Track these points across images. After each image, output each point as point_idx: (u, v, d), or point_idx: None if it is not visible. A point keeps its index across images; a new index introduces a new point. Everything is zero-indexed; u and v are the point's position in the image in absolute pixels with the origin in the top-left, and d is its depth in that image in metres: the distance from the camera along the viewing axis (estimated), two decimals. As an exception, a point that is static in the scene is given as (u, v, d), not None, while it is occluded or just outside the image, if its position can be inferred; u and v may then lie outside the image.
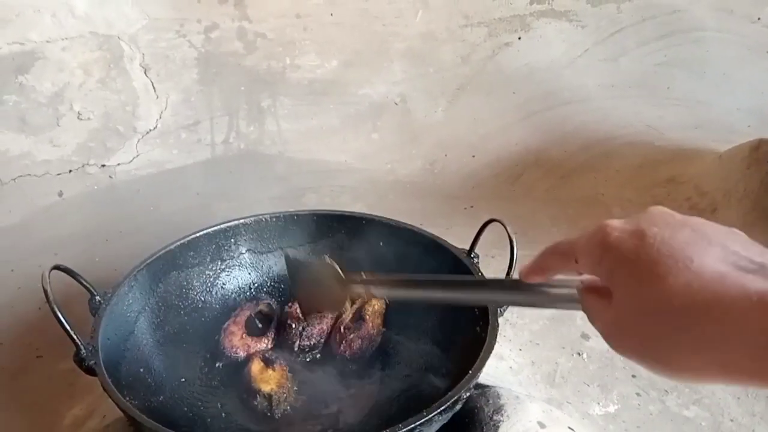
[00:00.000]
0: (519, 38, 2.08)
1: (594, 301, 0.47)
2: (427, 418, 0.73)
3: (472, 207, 1.69)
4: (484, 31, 2.05)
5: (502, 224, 0.94)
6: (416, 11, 1.97)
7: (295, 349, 1.03)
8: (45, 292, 0.80)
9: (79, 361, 0.82)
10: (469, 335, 0.93)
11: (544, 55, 2.10)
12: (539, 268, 0.53)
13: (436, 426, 0.78)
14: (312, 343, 1.04)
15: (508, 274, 0.92)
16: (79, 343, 0.81)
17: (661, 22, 2.22)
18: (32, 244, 1.51)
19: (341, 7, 1.89)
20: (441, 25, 2.00)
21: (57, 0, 1.63)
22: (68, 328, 0.80)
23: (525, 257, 1.36)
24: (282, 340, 1.05)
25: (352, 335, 1.03)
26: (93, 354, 0.82)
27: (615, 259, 0.43)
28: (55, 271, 0.86)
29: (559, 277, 0.53)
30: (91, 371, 0.82)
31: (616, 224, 0.45)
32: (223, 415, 0.93)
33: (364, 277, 0.72)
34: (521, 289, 0.57)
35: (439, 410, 0.75)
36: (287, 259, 0.89)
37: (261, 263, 1.15)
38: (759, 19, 2.27)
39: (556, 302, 0.55)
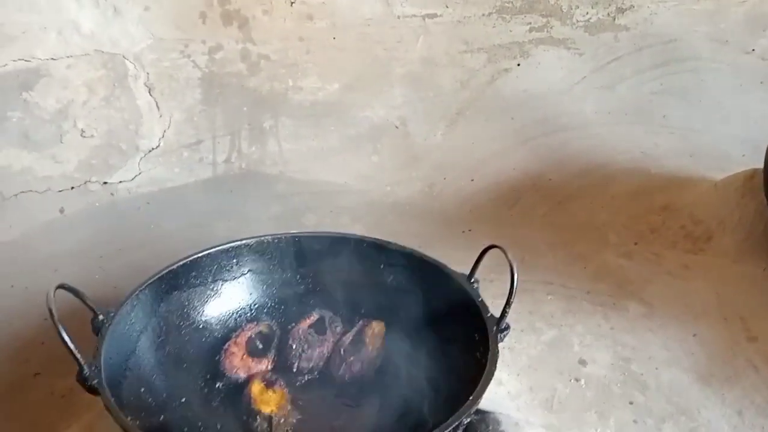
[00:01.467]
0: (518, 65, 2.11)
1: None
2: (428, 443, 0.74)
3: (470, 230, 1.70)
4: (484, 57, 2.08)
5: (503, 251, 0.95)
6: (417, 37, 2.00)
7: (295, 370, 1.04)
8: (50, 311, 0.81)
9: (83, 380, 0.82)
10: (469, 360, 0.94)
11: (542, 81, 2.13)
12: None
13: (437, 451, 0.78)
14: (312, 365, 1.04)
15: (508, 300, 0.93)
16: (82, 363, 0.82)
17: (657, 51, 2.26)
18: (32, 260, 1.51)
19: (343, 31, 1.92)
20: (441, 50, 2.03)
21: (63, 18, 1.65)
22: (72, 348, 0.80)
23: (522, 282, 1.37)
24: (282, 362, 1.05)
25: (352, 358, 1.04)
26: (96, 373, 0.83)
27: None
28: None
29: None
30: (94, 390, 0.82)
31: None
32: (223, 436, 0.94)
33: None
34: None
35: (440, 436, 0.75)
36: None
37: (262, 284, 1.16)
38: (753, 50, 2.31)
39: None
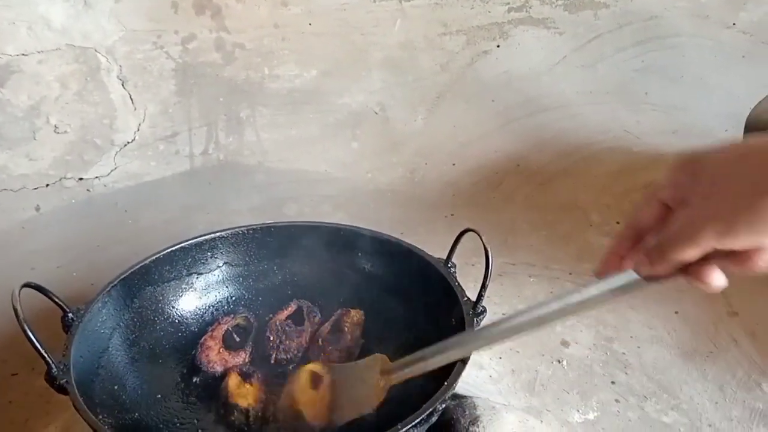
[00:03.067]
0: (497, 46, 2.09)
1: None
2: (401, 430, 0.73)
3: (452, 215, 1.69)
4: (463, 39, 2.06)
5: (478, 234, 0.94)
6: (394, 20, 1.97)
7: (273, 362, 1.03)
8: (15, 310, 0.80)
9: (51, 379, 0.81)
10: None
11: (522, 62, 2.11)
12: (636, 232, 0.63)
13: (412, 438, 0.78)
14: (290, 356, 1.03)
15: (483, 284, 0.92)
16: (51, 362, 0.80)
17: (637, 28, 2.25)
18: (9, 259, 1.49)
19: (319, 17, 1.90)
20: (419, 33, 2.01)
21: (33, 13, 1.62)
22: (39, 346, 0.79)
23: (505, 264, 1.36)
24: (260, 354, 1.04)
25: (330, 347, 1.02)
26: (65, 372, 0.81)
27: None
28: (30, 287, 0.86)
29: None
30: (62, 390, 0.81)
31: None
32: (200, 431, 0.92)
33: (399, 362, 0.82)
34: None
35: (414, 423, 0.74)
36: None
37: (238, 276, 1.14)
38: (734, 24, 2.30)
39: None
